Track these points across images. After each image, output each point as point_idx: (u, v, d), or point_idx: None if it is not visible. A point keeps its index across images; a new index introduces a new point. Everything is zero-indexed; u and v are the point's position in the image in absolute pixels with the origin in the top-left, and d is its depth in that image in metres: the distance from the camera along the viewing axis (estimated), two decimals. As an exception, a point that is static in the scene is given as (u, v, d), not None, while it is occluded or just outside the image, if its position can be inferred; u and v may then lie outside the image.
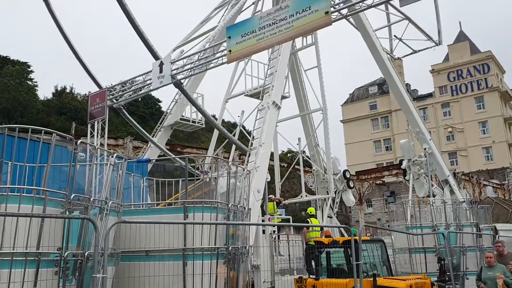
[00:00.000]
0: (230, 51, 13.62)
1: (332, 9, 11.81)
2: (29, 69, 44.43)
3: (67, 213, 7.49)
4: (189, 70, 16.18)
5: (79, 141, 8.03)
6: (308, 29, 12.22)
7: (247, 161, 16.37)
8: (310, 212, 17.82)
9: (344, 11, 12.22)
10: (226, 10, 23.79)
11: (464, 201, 19.65)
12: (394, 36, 29.66)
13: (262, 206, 15.83)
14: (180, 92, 20.96)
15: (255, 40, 12.77)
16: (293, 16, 11.97)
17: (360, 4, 12.02)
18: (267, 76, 19.39)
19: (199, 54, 16.52)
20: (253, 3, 25.39)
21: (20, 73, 41.40)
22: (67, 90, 53.57)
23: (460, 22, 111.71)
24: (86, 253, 7.44)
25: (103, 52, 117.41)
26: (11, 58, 46.12)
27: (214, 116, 37.05)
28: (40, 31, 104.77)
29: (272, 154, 21.34)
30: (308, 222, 16.69)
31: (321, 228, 16.15)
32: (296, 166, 26.31)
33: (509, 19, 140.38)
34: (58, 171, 9.34)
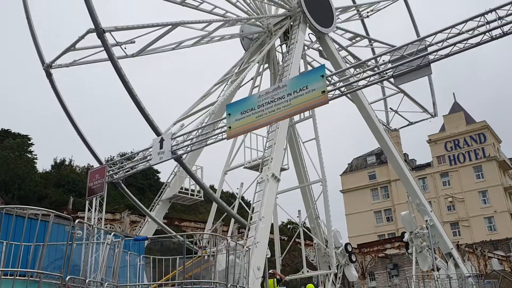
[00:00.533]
0: (229, 127, 13.88)
1: (329, 87, 12.19)
2: (29, 142, 44.91)
3: (61, 296, 7.26)
4: (189, 146, 16.38)
5: (76, 221, 7.93)
6: (305, 107, 12.54)
7: (247, 236, 16.10)
8: (310, 289, 17.29)
9: (342, 89, 12.59)
10: (225, 85, 24.51)
11: (470, 276, 19.14)
12: (390, 108, 30.41)
13: (262, 284, 15.34)
14: (179, 164, 21.06)
15: (254, 117, 13.05)
16: (290, 94, 12.32)
17: (356, 83, 12.40)
18: (266, 148, 19.60)
19: (198, 130, 16.80)
20: (251, 79, 26.29)
21: (20, 145, 41.79)
22: (66, 163, 53.83)
23: (454, 93, 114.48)
24: None
25: (102, 121, 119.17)
26: (12, 131, 46.78)
27: (212, 187, 36.97)
28: (41, 104, 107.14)
29: (272, 226, 21.06)
30: (309, 300, 16.13)
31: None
32: (297, 239, 25.84)
33: (501, 89, 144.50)
34: (54, 249, 9.15)
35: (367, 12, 32.97)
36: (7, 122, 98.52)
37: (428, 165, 75.99)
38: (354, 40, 30.43)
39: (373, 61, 13.01)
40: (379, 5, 33.16)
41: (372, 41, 30.97)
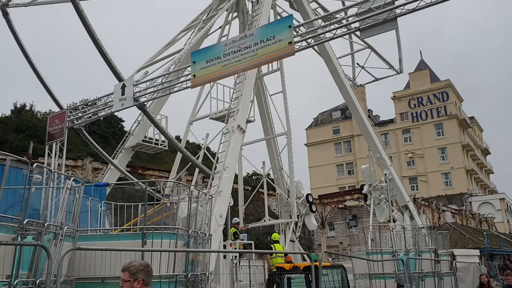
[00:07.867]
0: (194, 75, 13.61)
1: (296, 38, 12.07)
2: (-13, 85, 43.11)
3: (19, 238, 7.20)
4: (152, 94, 16.07)
5: (34, 165, 7.77)
6: (272, 57, 12.39)
7: (210, 185, 16.26)
8: (274, 238, 17.84)
9: (308, 41, 12.50)
10: (192, 33, 23.90)
11: (423, 227, 20.10)
12: (357, 64, 30.42)
13: (224, 231, 15.69)
14: (142, 112, 20.76)
15: (220, 66, 12.81)
16: (257, 44, 12.12)
17: (323, 35, 12.32)
18: (233, 100, 19.46)
19: (163, 77, 16.44)
20: (219, 28, 25.69)
21: (-22, 88, 40.09)
22: (27, 108, 52.14)
23: (420, 51, 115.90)
24: (37, 281, 7.17)
25: (63, 67, 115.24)
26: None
27: (178, 138, 36.77)
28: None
29: (236, 176, 21.30)
30: (272, 248, 16.65)
31: (285, 254, 16.15)
32: (260, 190, 26.31)
33: (465, 49, 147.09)
34: (12, 194, 9.02)
35: (339, -37, 32.30)
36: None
37: (391, 121, 77.71)
38: (324, -8, 29.89)
39: (342, 13, 12.85)
40: (351, -43, 32.55)
41: (343, -6, 30.51)
